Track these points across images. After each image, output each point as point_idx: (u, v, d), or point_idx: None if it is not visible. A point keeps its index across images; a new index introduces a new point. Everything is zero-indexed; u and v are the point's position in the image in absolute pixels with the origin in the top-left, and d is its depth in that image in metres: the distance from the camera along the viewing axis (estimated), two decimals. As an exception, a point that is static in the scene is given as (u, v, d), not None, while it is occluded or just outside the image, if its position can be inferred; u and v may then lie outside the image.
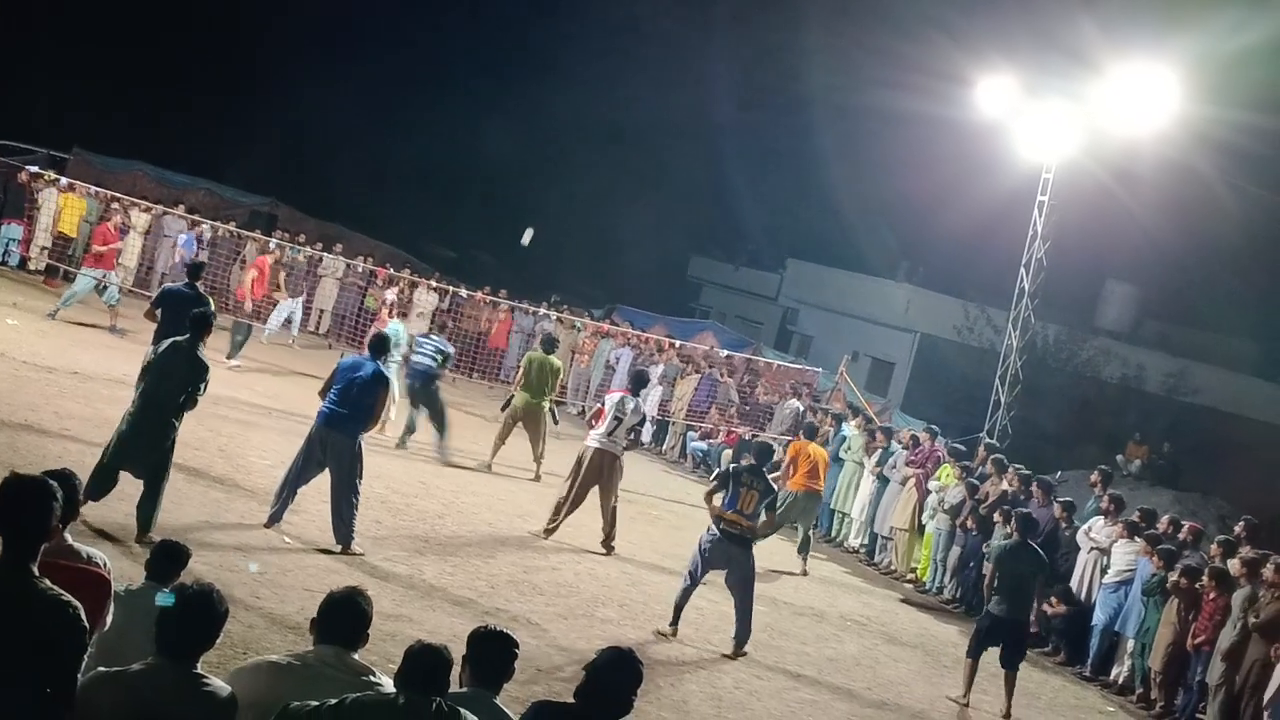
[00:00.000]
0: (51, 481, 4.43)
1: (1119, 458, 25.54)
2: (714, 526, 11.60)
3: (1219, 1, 21.51)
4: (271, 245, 23.43)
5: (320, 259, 25.76)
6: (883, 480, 18.30)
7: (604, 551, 13.80)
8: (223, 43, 43.21)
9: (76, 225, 23.14)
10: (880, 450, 18.55)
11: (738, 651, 11.37)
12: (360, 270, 26.30)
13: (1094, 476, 16.59)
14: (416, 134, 45.79)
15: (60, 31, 39.40)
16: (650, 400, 23.20)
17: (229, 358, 19.38)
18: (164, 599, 4.82)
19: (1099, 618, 14.53)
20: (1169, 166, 24.32)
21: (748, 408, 23.55)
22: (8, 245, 23.69)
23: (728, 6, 43.80)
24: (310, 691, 4.74)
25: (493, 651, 5.30)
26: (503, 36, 47.88)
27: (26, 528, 4.23)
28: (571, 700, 5.07)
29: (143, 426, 9.94)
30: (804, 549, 16.48)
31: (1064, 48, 21.04)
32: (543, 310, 26.61)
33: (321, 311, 26.52)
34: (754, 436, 21.28)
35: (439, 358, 16.86)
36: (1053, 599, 14.79)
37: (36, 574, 4.19)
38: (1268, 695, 11.86)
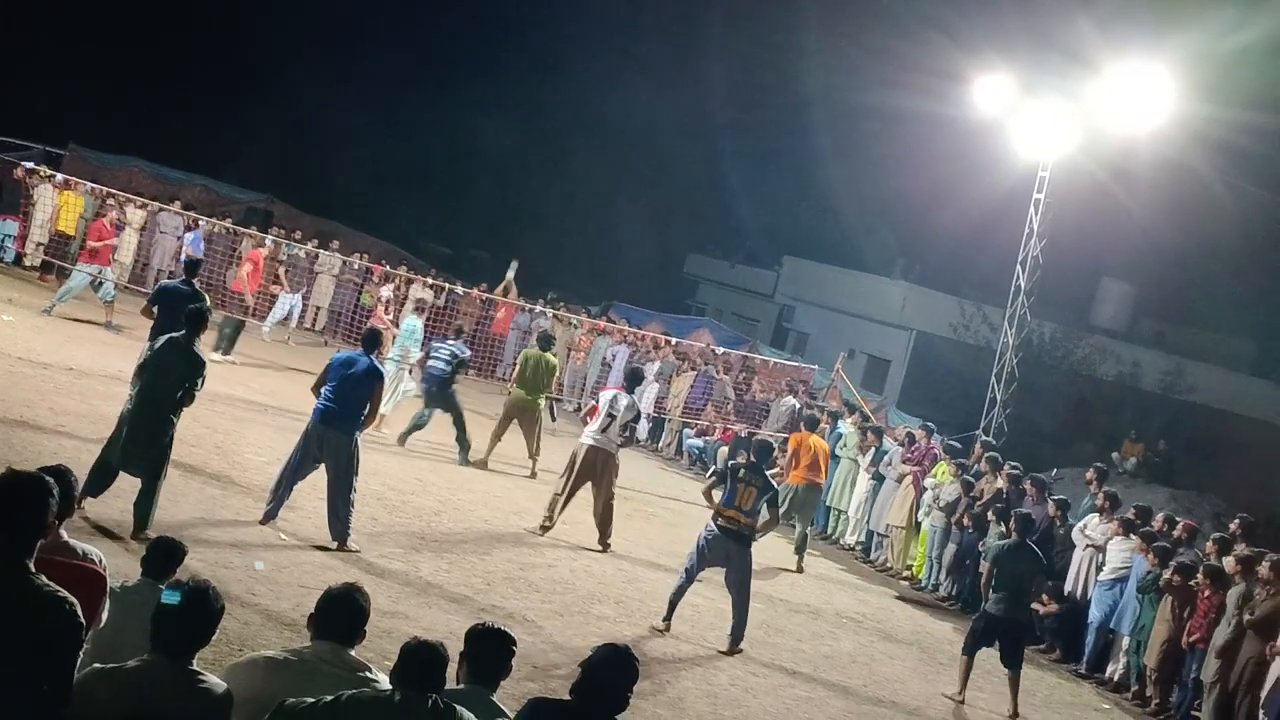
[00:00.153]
0: (48, 478, 4.43)
1: (1114, 455, 25.59)
2: (713, 523, 11.61)
3: (1215, 1, 21.52)
4: (268, 242, 23.42)
5: (317, 256, 25.75)
6: (878, 478, 18.31)
7: (600, 549, 13.79)
8: (220, 40, 43.23)
9: (75, 223, 23.12)
10: (874, 449, 18.56)
11: (734, 648, 11.37)
12: (357, 267, 26.30)
13: (1089, 474, 16.58)
14: (413, 131, 45.84)
15: (57, 28, 39.39)
16: (646, 397, 23.23)
17: (215, 350, 19.35)
18: (169, 596, 4.82)
19: (1094, 615, 14.54)
20: (1165, 165, 24.35)
21: (744, 404, 23.54)
22: (3, 241, 23.70)
23: (725, 5, 43.83)
24: (306, 688, 4.73)
25: (490, 649, 5.30)
26: (500, 34, 47.93)
27: (23, 525, 4.22)
28: (568, 697, 5.06)
29: (140, 423, 9.94)
30: (801, 547, 16.49)
31: (1061, 46, 21.05)
32: (539, 307, 26.59)
33: (318, 308, 26.52)
34: (750, 434, 21.30)
35: (454, 362, 16.89)
36: (1044, 597, 14.82)
37: (33, 571, 4.19)
38: (1264, 692, 11.88)
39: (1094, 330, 33.70)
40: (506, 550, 12.73)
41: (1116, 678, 14.23)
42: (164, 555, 6.01)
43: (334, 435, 11.06)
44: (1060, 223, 21.83)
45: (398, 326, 20.06)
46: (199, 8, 42.57)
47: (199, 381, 10.20)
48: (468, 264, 40.12)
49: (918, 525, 17.41)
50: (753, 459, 12.04)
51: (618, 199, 45.53)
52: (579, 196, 45.69)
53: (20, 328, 17.73)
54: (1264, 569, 12.34)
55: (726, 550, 11.53)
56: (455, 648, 5.13)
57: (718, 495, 11.69)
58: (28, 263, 23.82)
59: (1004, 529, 15.30)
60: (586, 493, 13.96)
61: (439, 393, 16.82)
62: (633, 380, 14.80)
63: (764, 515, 11.94)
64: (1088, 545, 14.95)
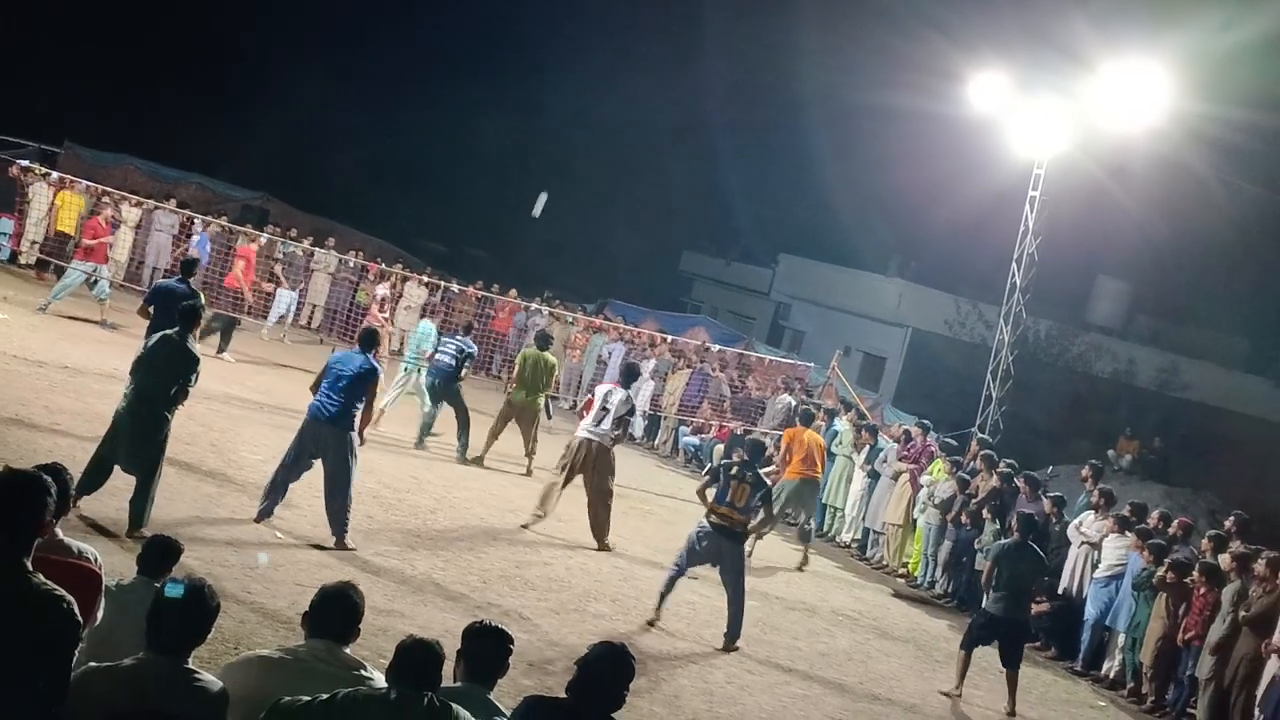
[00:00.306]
0: (46, 477, 4.42)
1: (1110, 453, 25.60)
2: (705, 520, 11.63)
3: (1210, -2, 21.57)
4: (264, 239, 23.41)
5: (313, 254, 25.73)
6: (874, 475, 18.32)
7: (596, 548, 13.79)
8: (216, 38, 43.18)
9: (75, 223, 23.08)
10: (869, 447, 18.57)
11: (729, 646, 11.38)
12: (352, 265, 26.29)
13: (1085, 471, 16.60)
14: (409, 130, 45.84)
15: (52, 27, 39.33)
16: (642, 395, 23.22)
17: (219, 351, 19.42)
18: (172, 589, 4.82)
19: (1090, 612, 14.55)
20: (1160, 162, 24.39)
21: (739, 402, 23.54)
22: (-2, 239, 23.68)
23: (721, 3, 43.82)
24: (302, 686, 4.73)
25: (487, 647, 5.30)
26: (496, 32, 47.91)
27: (22, 523, 4.22)
28: (564, 695, 5.07)
29: (135, 421, 9.94)
30: (805, 539, 16.53)
31: (1056, 44, 21.07)
32: (534, 305, 26.58)
33: (314, 307, 26.50)
34: (746, 431, 21.30)
35: (460, 358, 16.91)
36: (1039, 596, 14.81)
37: (31, 569, 4.19)
38: (1260, 690, 11.90)
39: (1089, 328, 33.72)
40: (502, 548, 12.73)
41: (1112, 675, 14.24)
42: (160, 553, 6.00)
43: (329, 433, 11.06)
44: (1056, 220, 21.85)
45: (393, 324, 20.07)
46: (196, 7, 42.51)
47: (193, 378, 10.20)
48: (463, 262, 40.11)
49: (914, 523, 17.41)
50: (745, 457, 12.06)
51: (613, 197, 45.55)
52: (575, 194, 45.63)
53: (16, 325, 17.72)
54: (1260, 566, 12.36)
55: (719, 547, 11.54)
56: (451, 646, 5.13)
57: (711, 494, 11.71)
58: (23, 261, 23.80)
59: (999, 526, 15.33)
60: (582, 493, 13.99)
61: (444, 388, 16.86)
62: (629, 376, 14.86)
63: (760, 515, 11.95)
64: (1083, 542, 14.96)
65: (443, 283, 25.80)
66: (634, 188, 45.39)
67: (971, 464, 17.31)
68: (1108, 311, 34.80)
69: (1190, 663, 13.05)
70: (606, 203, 45.62)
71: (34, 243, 23.50)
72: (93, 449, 10.18)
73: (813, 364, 26.16)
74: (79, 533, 8.40)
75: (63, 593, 4.20)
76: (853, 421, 19.50)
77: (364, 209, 37.00)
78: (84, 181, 23.48)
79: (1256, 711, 11.87)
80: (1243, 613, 12.22)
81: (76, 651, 4.34)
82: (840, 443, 19.03)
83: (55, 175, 23.79)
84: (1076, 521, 15.26)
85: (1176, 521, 14.98)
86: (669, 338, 26.09)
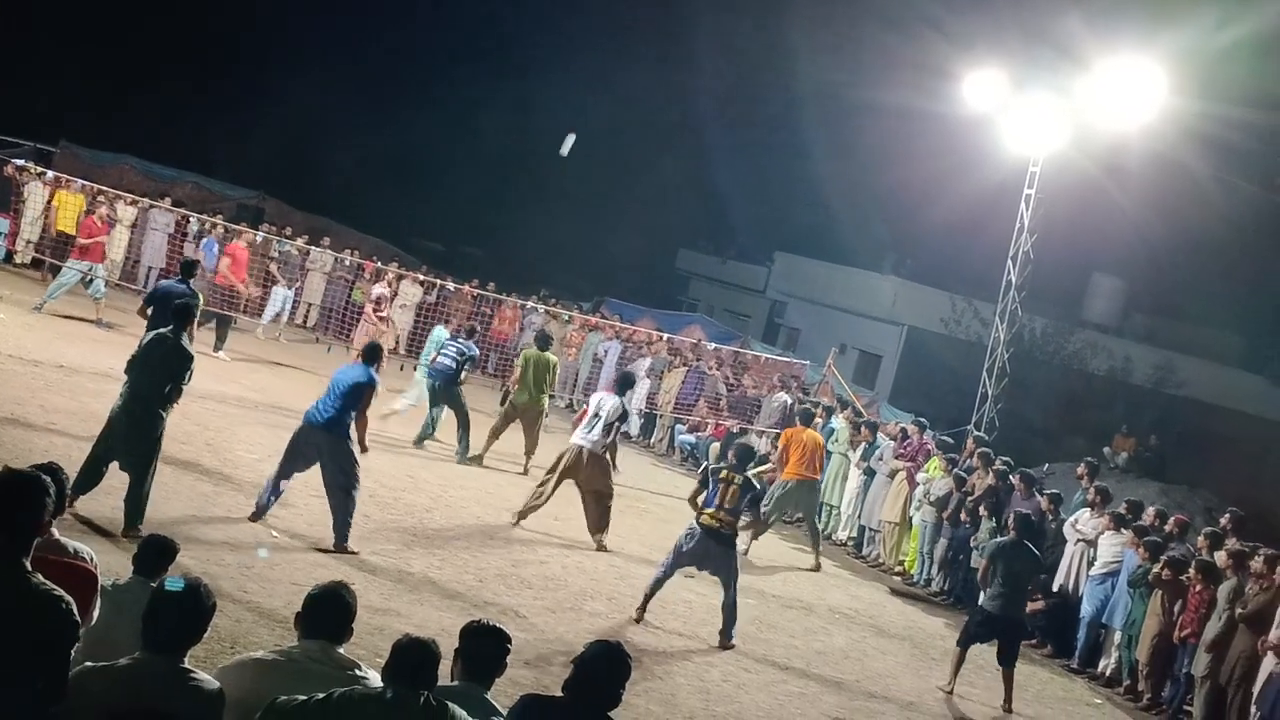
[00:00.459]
0: (45, 477, 4.42)
1: (1106, 450, 25.60)
2: (695, 522, 11.66)
3: (1205, -4, 21.57)
4: (259, 238, 23.40)
5: (308, 253, 25.71)
6: (869, 473, 18.32)
7: (594, 548, 13.80)
8: (212, 37, 43.14)
9: (75, 223, 23.03)
10: (865, 444, 18.58)
11: (725, 644, 11.40)
12: (348, 264, 26.27)
13: (1081, 469, 16.61)
14: (405, 128, 45.75)
15: (48, 26, 39.29)
16: (638, 393, 23.26)
17: (215, 349, 19.45)
18: (173, 583, 4.83)
19: (1086, 610, 14.56)
20: (1156, 160, 24.38)
21: (735, 400, 23.53)
22: (-7, 239, 23.66)
23: (717, 1, 43.80)
24: (296, 688, 4.72)
25: (485, 647, 5.31)
26: (492, 31, 47.87)
27: (21, 523, 4.22)
28: (560, 694, 5.07)
29: (131, 419, 9.94)
30: (815, 542, 16.57)
31: (1051, 42, 21.05)
32: (530, 304, 26.57)
33: (309, 305, 26.47)
34: (742, 429, 21.32)
35: (461, 360, 16.94)
36: (1035, 594, 14.81)
37: (30, 570, 4.19)
38: (1256, 688, 11.91)
39: (1085, 325, 33.72)
40: (499, 547, 12.75)
41: (1109, 673, 14.26)
42: (156, 553, 6.00)
43: (322, 438, 11.06)
44: (1051, 218, 21.85)
45: (386, 324, 20.04)
46: (191, 6, 42.47)
47: (187, 375, 10.21)
48: (459, 260, 40.09)
49: (910, 521, 17.42)
50: (734, 460, 12.12)
51: (609, 195, 45.50)
52: (570, 192, 45.62)
53: (11, 325, 17.70)
54: (1257, 563, 12.37)
55: (707, 550, 11.56)
56: (447, 645, 5.12)
57: (702, 499, 11.75)
58: (18, 260, 23.78)
59: (995, 524, 15.33)
60: (577, 492, 14.04)
61: (444, 390, 16.92)
62: (623, 384, 14.94)
63: (745, 518, 12.02)
64: (1079, 540, 14.98)
65: (438, 281, 25.79)
66: (630, 186, 45.35)
67: (968, 462, 17.32)
68: (1103, 309, 34.81)
69: (1186, 660, 13.06)
70: (602, 201, 45.58)
71: (29, 242, 23.48)
72: (88, 448, 10.18)
73: (808, 362, 26.17)
74: (74, 532, 8.41)
75: (62, 593, 4.20)
76: (849, 419, 19.51)
77: (360, 208, 36.94)
78: (80, 180, 23.46)
79: (1253, 709, 11.88)
80: (1239, 610, 12.24)
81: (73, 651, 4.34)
82: (836, 440, 19.05)
83: (51, 174, 23.78)
84: (1072, 519, 15.28)
85: (1173, 519, 15.00)
86: (665, 336, 26.09)
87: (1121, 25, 21.01)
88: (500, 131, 44.49)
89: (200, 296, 13.55)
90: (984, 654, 12.31)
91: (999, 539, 12.92)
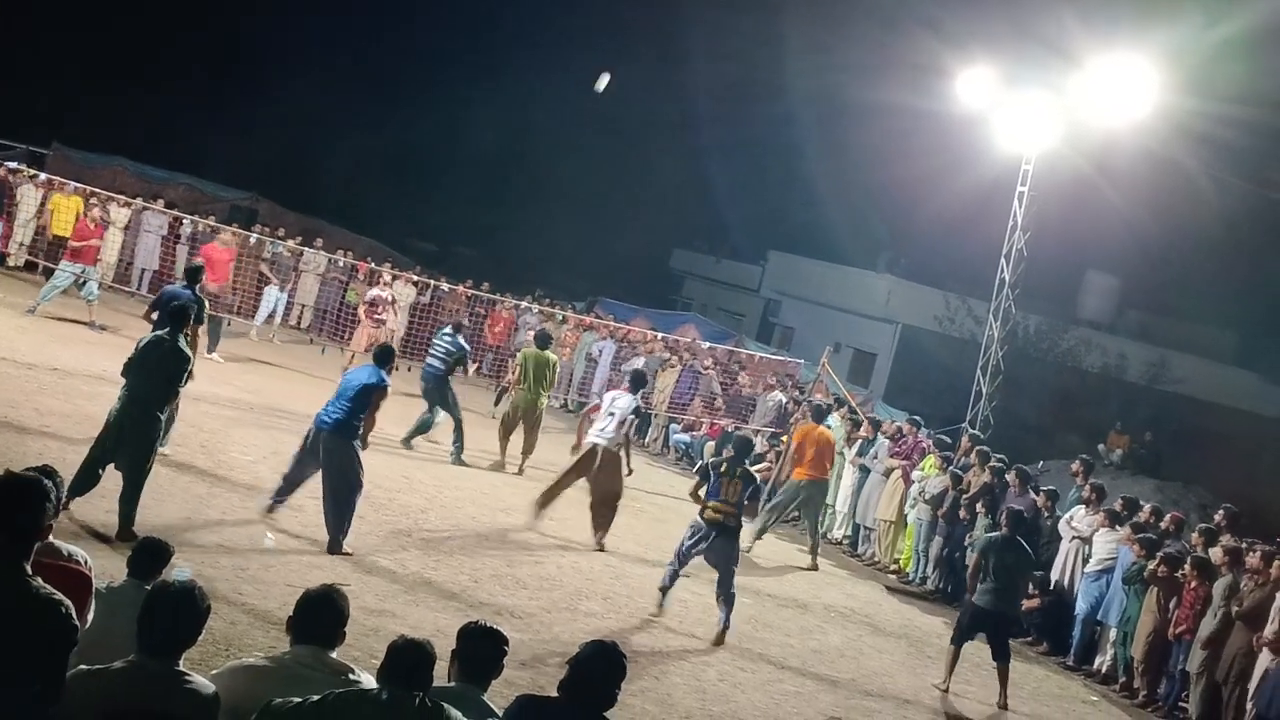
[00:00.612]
0: (47, 481, 4.41)
1: (1100, 447, 25.66)
2: (699, 516, 11.70)
3: (1197, -7, 21.60)
4: (252, 238, 23.38)
5: (301, 254, 25.68)
6: (864, 471, 18.32)
7: (594, 546, 13.81)
8: (205, 38, 43.12)
9: (70, 226, 23.00)
10: (861, 441, 18.58)
11: (720, 639, 11.42)
12: (341, 265, 26.24)
13: (1075, 466, 16.62)
14: (398, 128, 45.79)
15: (39, 27, 39.24)
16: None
17: (207, 350, 19.41)
18: (181, 573, 4.83)
19: (1081, 607, 14.57)
20: (1148, 158, 24.41)
21: (730, 399, 23.53)
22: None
23: (710, 1, 43.80)
24: (289, 693, 4.70)
25: (482, 648, 5.30)
26: (485, 31, 47.87)
27: (22, 526, 4.21)
28: (555, 694, 5.06)
29: (130, 422, 9.92)
30: (814, 543, 16.59)
31: (1042, 39, 21.09)
32: (525, 304, 26.56)
33: (303, 307, 26.43)
34: (737, 428, 21.32)
35: (449, 358, 16.89)
36: (1033, 591, 14.82)
37: (30, 573, 4.18)
38: (1252, 684, 11.92)
39: (1079, 323, 33.80)
40: (494, 547, 12.73)
41: (1104, 670, 14.26)
42: (150, 556, 5.99)
43: (329, 439, 11.02)
44: (1044, 216, 21.89)
45: (379, 326, 20.02)
46: (186, 8, 42.43)
47: (184, 377, 10.20)
48: (453, 261, 40.07)
49: (905, 519, 17.42)
50: (733, 453, 12.15)
51: (603, 195, 45.52)
52: (564, 192, 45.64)
53: (4, 327, 17.67)
54: (1254, 559, 12.38)
55: (711, 542, 11.60)
56: (442, 645, 5.12)
57: (703, 493, 11.77)
58: (11, 263, 23.74)
59: (991, 521, 15.33)
60: (578, 493, 14.04)
61: (436, 390, 16.81)
62: (636, 382, 14.89)
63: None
64: (1074, 537, 14.99)
65: (432, 282, 25.77)
66: (624, 186, 45.41)
67: (963, 460, 17.33)
68: (1097, 306, 34.88)
69: (1181, 657, 13.08)
70: (596, 201, 45.60)
71: (21, 244, 23.45)
72: (83, 451, 10.16)
73: (803, 360, 26.19)
74: (68, 535, 8.39)
75: (61, 597, 4.19)
76: (845, 417, 19.51)
77: (353, 208, 36.98)
78: (73, 183, 23.42)
79: (1249, 705, 11.89)
80: (1235, 607, 12.25)
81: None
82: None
83: (43, 176, 23.75)
84: (1067, 516, 15.29)
85: (1169, 516, 15.00)
86: (661, 335, 26.09)
87: (1113, 22, 21.05)
88: (494, 132, 44.50)
89: (205, 302, 13.53)
90: (980, 652, 12.31)
91: (990, 534, 12.92)
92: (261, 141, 38.77)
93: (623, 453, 14.10)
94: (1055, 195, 22.75)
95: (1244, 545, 12.93)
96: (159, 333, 10.34)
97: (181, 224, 24.76)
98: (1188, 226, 31.03)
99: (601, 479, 13.94)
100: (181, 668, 4.69)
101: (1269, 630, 11.76)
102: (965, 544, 15.88)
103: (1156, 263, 33.62)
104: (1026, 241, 21.18)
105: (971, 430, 19.82)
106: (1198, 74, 20.59)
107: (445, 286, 25.67)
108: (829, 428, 18.87)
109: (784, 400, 21.88)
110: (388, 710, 4.56)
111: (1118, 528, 14.46)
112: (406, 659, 4.69)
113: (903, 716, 10.94)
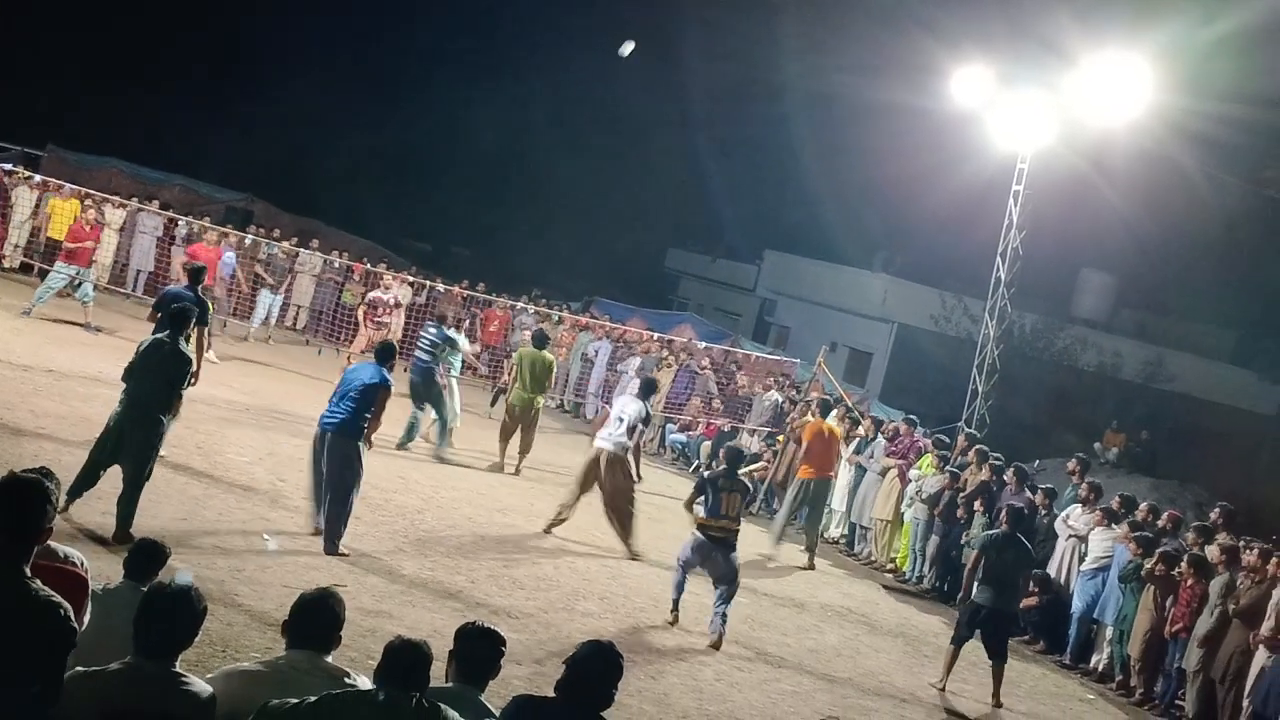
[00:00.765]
0: (48, 483, 4.41)
1: (1096, 445, 25.67)
2: (699, 533, 11.67)
3: (1191, -8, 21.62)
4: (247, 239, 23.37)
5: (297, 255, 25.65)
6: (860, 470, 18.31)
7: (627, 556, 13.85)
8: (200, 39, 43.09)
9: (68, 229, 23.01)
10: (858, 439, 18.57)
11: (718, 642, 11.42)
12: (337, 266, 26.22)
13: (1072, 464, 16.63)
14: (394, 129, 45.78)
15: (33, 28, 39.21)
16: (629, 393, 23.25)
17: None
18: (182, 577, 4.83)
19: (1077, 605, 14.57)
20: (1144, 156, 24.43)
21: (727, 399, 23.53)
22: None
23: (704, 0, 43.81)
24: (284, 697, 4.70)
25: (479, 648, 5.29)
26: (480, 31, 47.82)
27: (23, 528, 4.21)
28: (552, 694, 5.06)
29: (130, 425, 9.90)
30: (812, 542, 16.60)
31: (1038, 38, 21.10)
32: (520, 304, 26.55)
33: (299, 308, 26.41)
34: (733, 429, 21.32)
35: (435, 351, 16.85)
36: (1033, 588, 14.83)
37: (29, 575, 4.18)
38: (1248, 682, 11.93)
39: (1074, 321, 33.79)
40: (490, 548, 12.73)
41: (1101, 668, 14.26)
42: (146, 557, 5.98)
43: (333, 440, 11.03)
44: (1040, 214, 21.90)
45: (380, 329, 20.00)
46: (180, 9, 42.40)
47: (186, 380, 10.18)
48: (449, 261, 40.07)
49: (901, 518, 17.42)
50: (724, 466, 12.14)
51: (598, 195, 45.50)
52: (559, 192, 45.63)
53: (0, 330, 17.66)
54: (1251, 557, 12.39)
55: (713, 557, 11.60)
56: (439, 646, 5.12)
57: (700, 509, 11.76)
58: (6, 265, 23.72)
59: (988, 520, 15.35)
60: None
61: (424, 385, 16.76)
62: (646, 389, 14.89)
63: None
64: (1070, 536, 15.00)
65: (428, 282, 25.75)
66: (619, 186, 45.38)
67: (960, 459, 17.33)
68: (1092, 305, 34.87)
69: (1178, 655, 13.09)
70: (592, 201, 45.59)
71: (16, 246, 23.43)
72: (79, 452, 10.17)
73: (799, 360, 26.18)
74: (64, 537, 8.37)
75: (60, 599, 4.19)
76: (842, 417, 19.49)
77: (349, 209, 36.91)
78: (69, 185, 23.40)
79: (1245, 703, 11.91)
80: (1232, 605, 12.26)
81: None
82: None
83: (38, 178, 23.73)
84: (1064, 514, 15.30)
85: (1166, 514, 15.01)
86: (656, 335, 26.09)
87: (1108, 21, 21.06)
88: (489, 132, 44.48)
89: (209, 304, 13.54)
90: (976, 650, 12.31)
91: (990, 532, 12.92)
92: (257, 142, 38.76)
93: (630, 459, 14.09)
94: (1051, 194, 22.78)
95: (1241, 544, 12.95)
96: (159, 335, 10.31)
97: (177, 225, 24.74)
98: (1183, 225, 31.06)
99: (610, 485, 13.93)
100: (178, 669, 4.68)
101: (1265, 627, 11.78)
102: (962, 543, 15.89)
103: (1152, 261, 33.63)
104: (1022, 240, 21.18)
105: (968, 429, 19.83)
106: (1192, 72, 20.62)
107: (441, 287, 25.65)
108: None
109: (780, 400, 21.88)
110: (384, 711, 4.56)
111: (1114, 526, 14.47)
112: (403, 660, 4.69)
113: (900, 715, 10.94)
